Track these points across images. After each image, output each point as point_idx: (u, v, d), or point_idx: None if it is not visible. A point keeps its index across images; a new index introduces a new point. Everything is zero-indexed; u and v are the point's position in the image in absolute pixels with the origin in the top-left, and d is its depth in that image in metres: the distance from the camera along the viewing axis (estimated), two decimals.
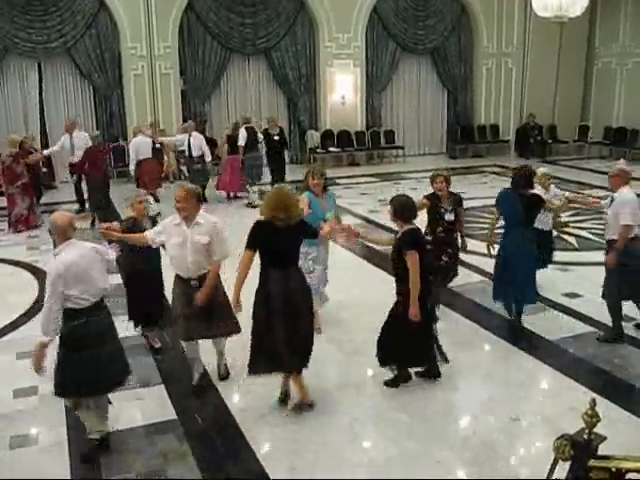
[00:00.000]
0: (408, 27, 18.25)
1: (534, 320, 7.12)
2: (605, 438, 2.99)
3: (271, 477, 4.52)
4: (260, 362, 5.22)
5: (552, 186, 7.90)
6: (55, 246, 4.72)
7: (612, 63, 19.33)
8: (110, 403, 5.01)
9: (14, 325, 7.09)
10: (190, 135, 13.05)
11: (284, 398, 5.47)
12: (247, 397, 5.63)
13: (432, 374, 5.81)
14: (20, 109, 15.54)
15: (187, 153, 13.10)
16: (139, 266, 6.17)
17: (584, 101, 20.27)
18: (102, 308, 4.80)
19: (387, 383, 5.75)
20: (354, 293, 7.90)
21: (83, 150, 11.87)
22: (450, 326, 6.76)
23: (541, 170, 7.78)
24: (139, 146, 12.56)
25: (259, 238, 5.11)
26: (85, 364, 4.61)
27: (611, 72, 19.37)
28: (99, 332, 4.71)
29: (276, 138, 13.30)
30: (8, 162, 11.30)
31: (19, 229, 11.24)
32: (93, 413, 4.86)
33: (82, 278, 4.56)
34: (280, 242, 5.09)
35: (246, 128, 13.13)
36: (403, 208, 5.46)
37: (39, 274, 8.42)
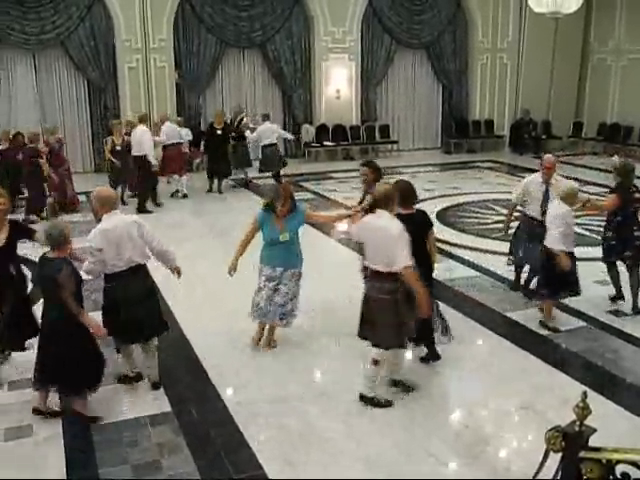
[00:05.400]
0: (403, 21, 18.24)
1: (526, 314, 7.18)
2: (595, 430, 3.03)
3: (266, 469, 4.55)
4: None
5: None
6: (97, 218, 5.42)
7: (607, 59, 19.36)
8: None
9: None
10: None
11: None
12: (242, 390, 5.66)
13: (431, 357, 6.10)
14: (16, 102, 15.44)
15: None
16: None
17: (578, 97, 20.30)
18: (136, 273, 5.38)
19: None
20: (345, 284, 7.88)
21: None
22: None
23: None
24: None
25: None
26: (122, 322, 5.27)
27: (606, 68, 19.40)
28: (133, 294, 5.35)
29: (219, 133, 13.62)
30: (57, 148, 12.10)
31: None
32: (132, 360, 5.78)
33: (115, 245, 5.20)
34: None
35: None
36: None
37: (31, 267, 8.37)
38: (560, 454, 3.06)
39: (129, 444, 4.87)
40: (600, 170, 15.46)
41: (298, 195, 13.21)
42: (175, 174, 13.50)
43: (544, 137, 19.59)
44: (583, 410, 2.98)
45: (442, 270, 7.82)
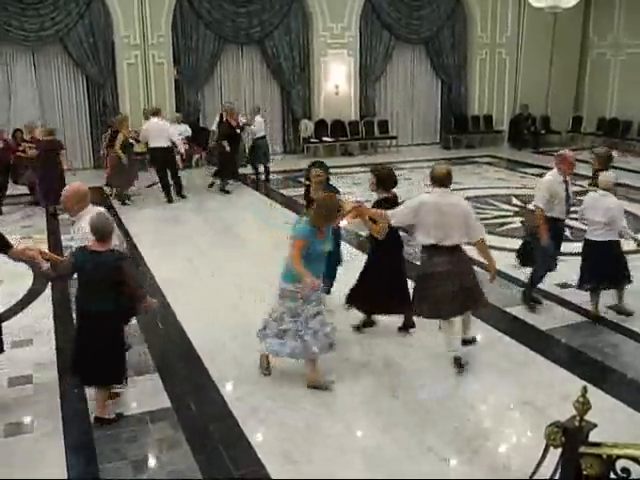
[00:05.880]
0: (402, 17, 18.21)
1: (526, 310, 7.17)
2: (595, 425, 3.03)
3: (265, 464, 4.55)
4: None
5: None
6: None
7: (606, 54, 19.34)
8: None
9: (9, 314, 7.07)
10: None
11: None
12: (241, 385, 5.66)
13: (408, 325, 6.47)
14: (15, 98, 15.40)
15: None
16: None
17: (578, 92, 20.29)
18: None
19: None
20: (345, 281, 7.87)
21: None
22: None
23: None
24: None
25: None
26: None
27: (605, 63, 19.38)
28: None
29: (237, 131, 13.60)
30: None
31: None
32: None
33: None
34: None
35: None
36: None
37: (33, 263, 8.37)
38: (560, 449, 3.06)
39: (129, 440, 4.87)
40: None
41: (296, 191, 13.24)
42: None
43: (543, 132, 19.58)
44: (583, 405, 2.98)
45: None
